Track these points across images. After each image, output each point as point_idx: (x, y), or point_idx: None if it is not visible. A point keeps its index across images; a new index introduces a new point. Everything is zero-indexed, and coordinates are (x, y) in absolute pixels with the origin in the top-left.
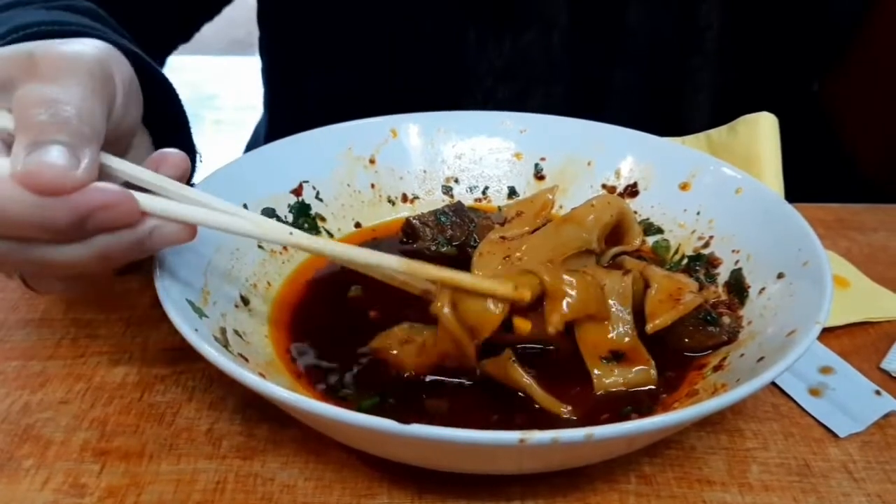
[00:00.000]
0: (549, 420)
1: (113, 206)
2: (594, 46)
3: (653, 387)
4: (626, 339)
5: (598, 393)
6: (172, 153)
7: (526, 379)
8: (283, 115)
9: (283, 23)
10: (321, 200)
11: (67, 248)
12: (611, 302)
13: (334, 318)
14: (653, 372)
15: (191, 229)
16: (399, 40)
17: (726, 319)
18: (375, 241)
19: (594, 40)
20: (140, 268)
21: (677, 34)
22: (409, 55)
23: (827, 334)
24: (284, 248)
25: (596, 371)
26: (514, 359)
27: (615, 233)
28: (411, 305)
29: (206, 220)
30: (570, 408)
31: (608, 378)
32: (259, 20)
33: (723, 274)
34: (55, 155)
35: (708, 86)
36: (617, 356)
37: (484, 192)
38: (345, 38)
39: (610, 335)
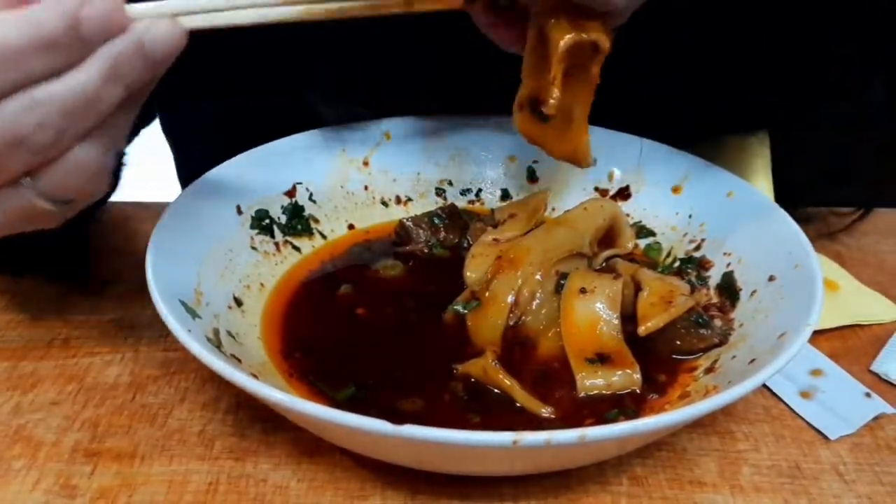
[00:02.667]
0: (530, 421)
1: (96, 6)
2: None
3: (637, 390)
4: (613, 341)
5: (581, 395)
6: None
7: (507, 380)
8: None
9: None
10: (314, 202)
11: (74, 76)
12: (599, 305)
13: (325, 317)
14: (636, 376)
15: (181, 29)
16: None
17: (718, 322)
18: (368, 243)
19: None
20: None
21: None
22: None
23: (817, 337)
24: (278, 249)
25: (580, 373)
26: (495, 361)
27: (607, 236)
28: (398, 303)
29: (189, 4)
30: (550, 408)
31: (591, 380)
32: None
33: (714, 277)
34: None
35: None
36: (602, 358)
37: (477, 195)
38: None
39: (596, 336)
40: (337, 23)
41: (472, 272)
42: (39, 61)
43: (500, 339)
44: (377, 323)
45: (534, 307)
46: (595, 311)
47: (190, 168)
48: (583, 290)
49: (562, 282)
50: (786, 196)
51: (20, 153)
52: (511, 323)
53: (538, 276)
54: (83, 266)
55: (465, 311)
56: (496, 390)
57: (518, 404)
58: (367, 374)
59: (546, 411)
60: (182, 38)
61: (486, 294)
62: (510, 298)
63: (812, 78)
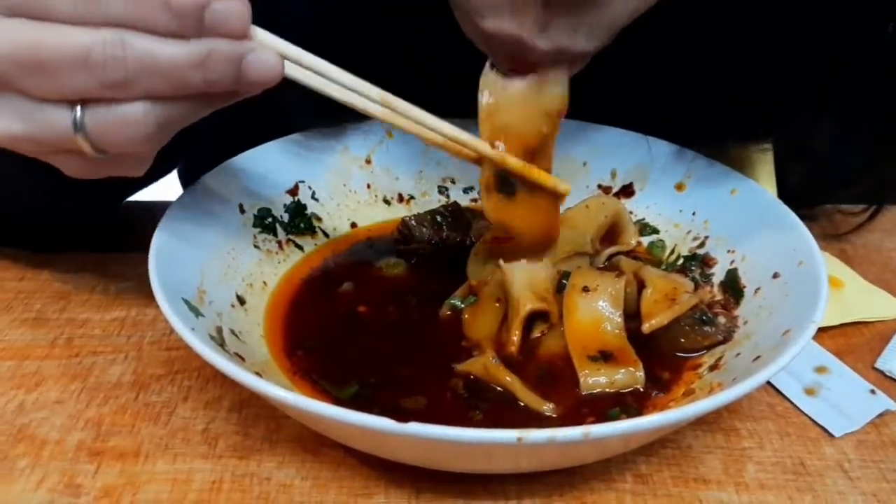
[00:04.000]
0: (531, 419)
1: (230, 3)
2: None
3: (640, 388)
4: (616, 339)
5: (584, 393)
6: None
7: (509, 377)
8: None
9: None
10: (317, 200)
11: (174, 45)
12: (602, 303)
13: (327, 315)
14: (640, 373)
15: (282, 67)
16: None
17: (722, 319)
18: (371, 241)
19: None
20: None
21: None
22: None
23: (822, 334)
24: (281, 248)
25: (583, 371)
26: (496, 358)
27: (610, 233)
28: (400, 301)
29: (301, 58)
30: (552, 405)
31: (594, 378)
32: None
33: (718, 274)
34: None
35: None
36: (605, 356)
37: (480, 193)
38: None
39: (599, 334)
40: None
41: (474, 270)
42: (153, 15)
43: (496, 335)
44: (379, 320)
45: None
46: (598, 309)
47: (193, 165)
48: (585, 289)
49: (564, 281)
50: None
51: (86, 74)
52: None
53: None
54: (118, 238)
55: (462, 306)
56: (498, 388)
57: (521, 403)
58: (370, 372)
59: (548, 408)
60: (277, 76)
61: (485, 290)
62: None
63: (810, 77)
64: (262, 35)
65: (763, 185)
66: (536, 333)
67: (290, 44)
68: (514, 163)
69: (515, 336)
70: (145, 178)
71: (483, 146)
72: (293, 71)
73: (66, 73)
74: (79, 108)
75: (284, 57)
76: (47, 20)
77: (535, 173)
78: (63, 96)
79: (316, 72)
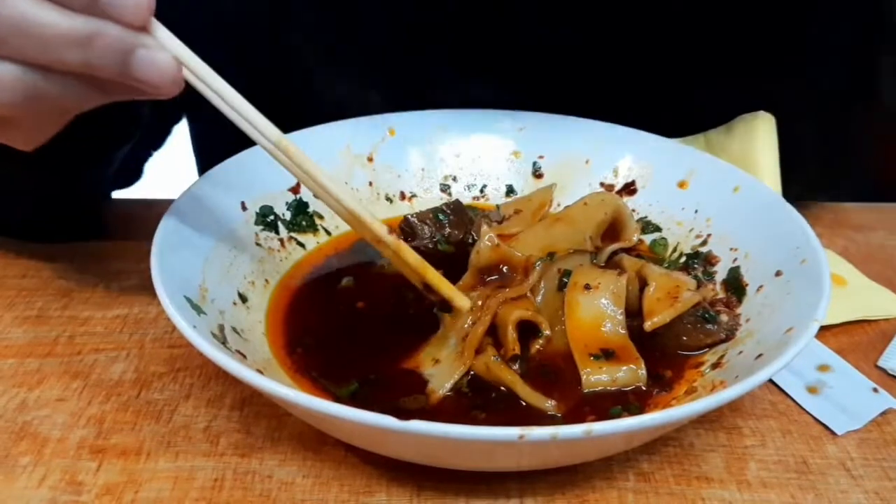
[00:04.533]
0: (529, 416)
1: None
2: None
3: (641, 386)
4: (617, 337)
5: (586, 391)
6: None
7: (510, 375)
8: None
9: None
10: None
11: (56, 14)
12: (603, 301)
13: (328, 313)
14: (641, 371)
15: (178, 75)
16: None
17: (724, 317)
18: None
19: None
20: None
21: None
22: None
23: (824, 332)
24: (283, 245)
25: (585, 369)
26: (496, 356)
27: (612, 229)
28: (401, 298)
29: (203, 73)
30: (553, 402)
31: (596, 375)
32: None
33: (721, 272)
34: None
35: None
36: (607, 354)
37: (482, 191)
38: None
39: (601, 332)
40: None
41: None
42: None
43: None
44: (379, 317)
45: (536, 304)
46: (599, 308)
47: (208, 149)
48: (587, 287)
49: (564, 279)
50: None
51: None
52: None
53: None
54: (96, 230)
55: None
56: (501, 387)
57: (523, 402)
58: (370, 369)
59: (550, 405)
60: (169, 80)
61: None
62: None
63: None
64: (164, 36)
65: (766, 183)
66: (536, 346)
67: (193, 54)
68: (413, 259)
69: (511, 337)
70: (127, 178)
71: (380, 228)
72: (193, 80)
73: None
74: None
75: (183, 63)
76: None
77: (431, 275)
78: None
79: (214, 91)
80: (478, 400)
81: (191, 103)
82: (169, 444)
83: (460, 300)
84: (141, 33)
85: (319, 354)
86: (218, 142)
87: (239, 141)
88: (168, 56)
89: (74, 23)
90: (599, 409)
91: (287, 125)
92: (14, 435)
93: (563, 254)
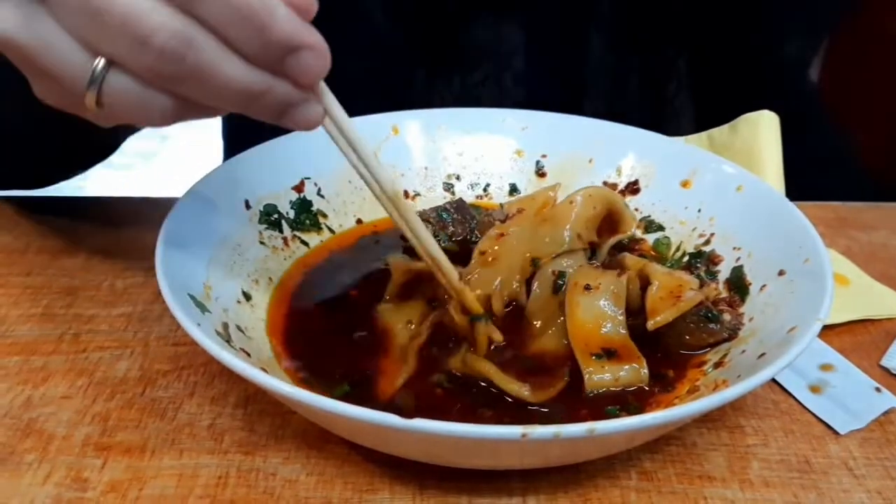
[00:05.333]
0: (518, 409)
1: (321, 56)
2: (553, 81)
3: (644, 386)
4: (618, 337)
5: (589, 391)
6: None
7: (486, 366)
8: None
9: None
10: (323, 197)
11: (238, 67)
12: (603, 302)
13: (328, 309)
14: (643, 371)
15: (319, 123)
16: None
17: (727, 316)
18: (376, 237)
19: (554, 76)
20: None
21: (647, 63)
22: (354, 92)
23: (827, 332)
24: (286, 244)
25: (587, 369)
26: (472, 349)
27: (610, 223)
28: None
29: (342, 123)
30: (528, 386)
31: (599, 375)
32: None
33: (724, 271)
34: None
35: (688, 109)
36: (609, 353)
37: (485, 189)
38: None
39: (602, 333)
40: None
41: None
42: (243, 30)
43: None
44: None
45: (531, 305)
46: (600, 308)
47: (235, 130)
48: (587, 287)
49: (559, 282)
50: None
51: (137, 49)
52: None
53: (517, 279)
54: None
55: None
56: (481, 382)
57: (494, 390)
58: (357, 369)
59: (526, 391)
60: (310, 129)
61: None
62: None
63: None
64: (321, 87)
65: (770, 182)
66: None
67: (337, 103)
68: (475, 306)
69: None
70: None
71: (453, 276)
72: (330, 129)
73: (117, 35)
74: (102, 63)
75: (330, 117)
76: None
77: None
78: (96, 49)
79: (349, 142)
80: (459, 394)
81: None
82: (173, 441)
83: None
84: (306, 90)
85: (310, 355)
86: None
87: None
88: (319, 109)
89: (253, 78)
90: (598, 409)
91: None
92: (19, 432)
93: (546, 260)
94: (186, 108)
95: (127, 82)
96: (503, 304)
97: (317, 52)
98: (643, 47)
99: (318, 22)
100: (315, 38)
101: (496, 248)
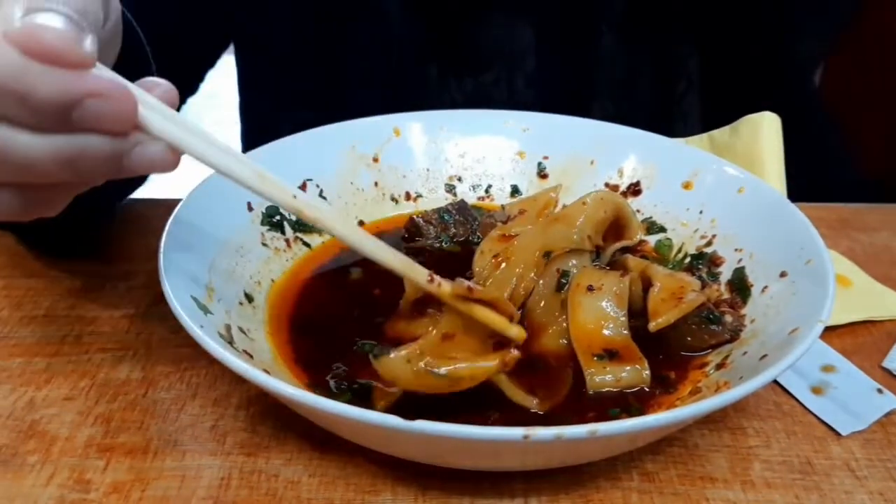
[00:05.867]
0: (513, 412)
1: (111, 99)
2: (564, 81)
3: (645, 387)
4: (620, 338)
5: (591, 392)
6: (163, 81)
7: (497, 372)
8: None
9: (258, 70)
10: (325, 198)
11: (34, 139)
12: (605, 303)
13: (332, 309)
14: (645, 372)
15: (175, 157)
16: (358, 76)
17: (729, 318)
18: (379, 235)
19: (564, 75)
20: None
21: (657, 63)
22: (367, 91)
23: (829, 333)
24: (289, 245)
25: (589, 369)
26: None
27: (615, 228)
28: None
29: (205, 154)
30: (537, 400)
31: (600, 376)
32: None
33: (725, 273)
34: (58, 21)
35: (695, 109)
36: (611, 354)
37: (487, 191)
38: (308, 75)
39: (604, 334)
40: None
41: (480, 267)
42: (8, 105)
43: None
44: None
45: (533, 304)
46: (602, 309)
47: (254, 114)
48: (590, 288)
49: (562, 280)
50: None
51: None
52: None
53: (532, 275)
54: (88, 250)
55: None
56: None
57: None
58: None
59: (534, 403)
60: (167, 168)
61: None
62: (504, 295)
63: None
64: (156, 122)
65: (771, 184)
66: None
67: (186, 130)
68: (465, 309)
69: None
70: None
71: (420, 275)
72: (209, 157)
73: None
74: None
75: (176, 146)
76: None
77: (479, 314)
78: None
79: (226, 153)
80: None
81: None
82: (176, 442)
83: (512, 331)
84: (130, 134)
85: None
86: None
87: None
88: (161, 146)
89: (55, 143)
90: (600, 410)
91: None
92: (22, 434)
93: (559, 253)
94: (24, 199)
95: None
96: (522, 300)
97: (104, 96)
98: (654, 45)
99: (334, 21)
100: (96, 83)
101: (509, 251)
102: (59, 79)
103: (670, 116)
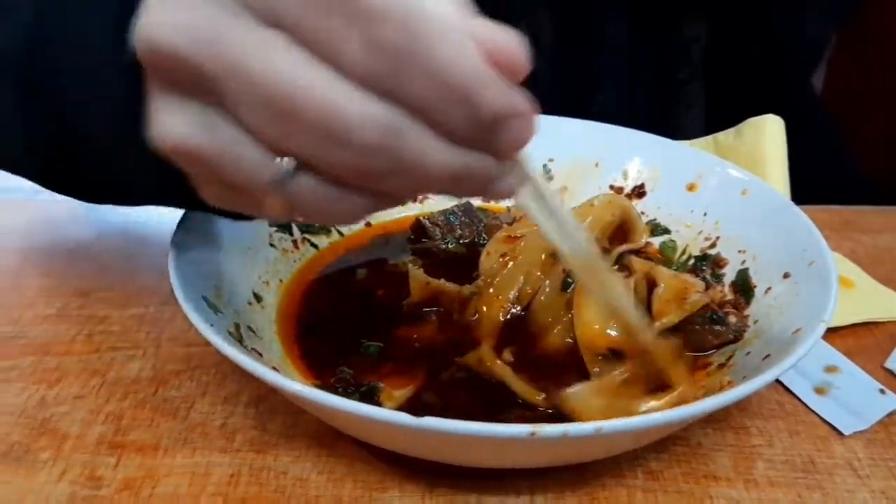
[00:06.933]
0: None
1: (527, 119)
2: (566, 70)
3: None
4: (624, 339)
5: None
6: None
7: (502, 368)
8: None
9: None
10: None
11: (444, 151)
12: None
13: (340, 308)
14: None
15: (512, 194)
16: None
17: (732, 319)
18: (385, 239)
19: (567, 64)
20: None
21: (661, 48)
22: None
23: (832, 334)
24: (296, 246)
25: (594, 369)
26: (490, 350)
27: (621, 231)
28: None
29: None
30: (544, 395)
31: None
32: None
33: (729, 274)
34: (516, 36)
35: (699, 98)
36: (616, 354)
37: None
38: None
39: (608, 334)
40: None
41: (488, 267)
42: (451, 108)
43: (498, 333)
44: (382, 318)
45: (538, 303)
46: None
47: None
48: None
49: (568, 279)
50: (801, 193)
51: (336, 148)
52: (508, 316)
53: (538, 274)
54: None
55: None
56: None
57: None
58: (369, 372)
59: (541, 399)
60: (502, 199)
61: (490, 291)
62: (512, 294)
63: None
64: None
65: (775, 186)
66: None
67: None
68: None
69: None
70: None
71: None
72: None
73: (310, 133)
74: (289, 163)
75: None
76: (327, 62)
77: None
78: (282, 149)
79: (546, 207)
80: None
81: None
82: (186, 440)
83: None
84: (509, 160)
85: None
86: None
87: None
88: (510, 184)
89: (461, 160)
90: None
91: None
92: (34, 431)
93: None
94: (377, 203)
95: (317, 182)
96: (529, 299)
97: (525, 117)
98: (659, 30)
99: None
100: (522, 101)
101: (514, 248)
102: (507, 90)
103: (674, 104)
